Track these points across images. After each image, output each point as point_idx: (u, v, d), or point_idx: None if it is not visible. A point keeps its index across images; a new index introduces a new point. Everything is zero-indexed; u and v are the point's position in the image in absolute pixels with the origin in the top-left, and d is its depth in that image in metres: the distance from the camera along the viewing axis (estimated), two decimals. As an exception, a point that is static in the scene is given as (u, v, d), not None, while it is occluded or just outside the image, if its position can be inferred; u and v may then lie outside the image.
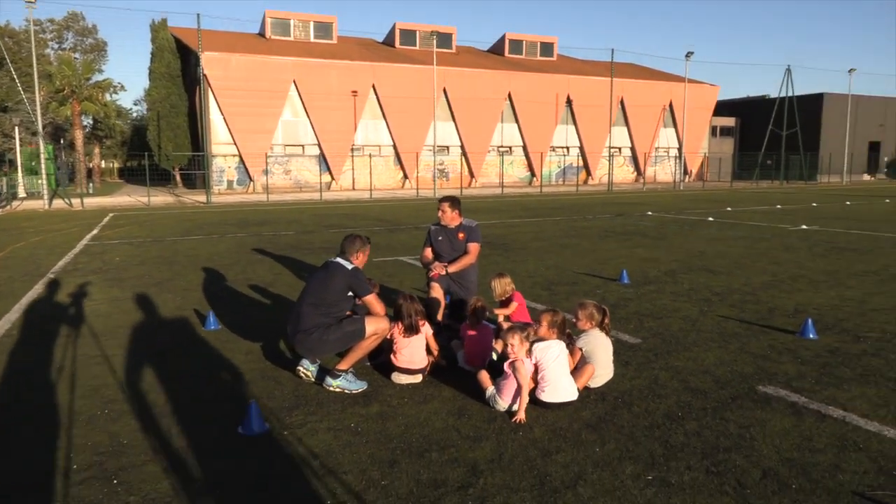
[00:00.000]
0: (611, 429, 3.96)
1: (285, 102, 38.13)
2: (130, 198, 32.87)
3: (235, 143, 37.11)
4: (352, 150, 40.01)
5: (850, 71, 48.17)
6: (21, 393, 4.74)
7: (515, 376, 4.20)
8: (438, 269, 6.30)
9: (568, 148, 47.44)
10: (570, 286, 8.48)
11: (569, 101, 46.05)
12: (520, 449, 3.70)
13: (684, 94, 43.39)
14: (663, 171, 51.96)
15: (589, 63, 52.36)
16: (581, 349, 4.64)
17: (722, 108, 57.22)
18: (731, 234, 14.39)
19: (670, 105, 49.84)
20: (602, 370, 4.64)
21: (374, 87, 39.71)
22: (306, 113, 38.64)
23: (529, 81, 44.21)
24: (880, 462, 3.50)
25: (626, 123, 48.79)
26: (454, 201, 6.58)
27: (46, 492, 3.30)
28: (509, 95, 43.84)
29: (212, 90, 35.51)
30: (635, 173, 50.35)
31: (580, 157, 47.77)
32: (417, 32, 47.12)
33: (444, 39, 46.10)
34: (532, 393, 4.30)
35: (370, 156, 37.78)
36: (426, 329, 4.96)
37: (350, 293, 4.82)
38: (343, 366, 4.66)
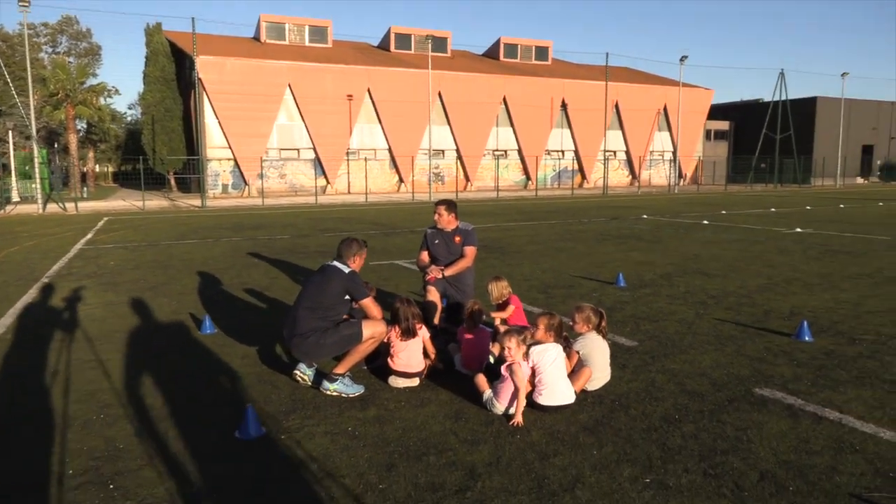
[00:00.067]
0: (608, 432, 3.96)
1: (280, 106, 38.12)
2: (125, 202, 32.78)
3: (230, 147, 37.08)
4: (347, 153, 40.01)
5: (842, 75, 48.58)
6: (16, 397, 4.71)
7: (512, 379, 4.20)
8: (435, 272, 6.30)
9: (563, 152, 47.55)
10: (567, 289, 8.49)
11: (564, 105, 46.17)
12: (517, 452, 3.69)
13: (679, 98, 43.57)
14: (658, 175, 52.12)
15: (584, 67, 52.51)
16: (578, 352, 4.64)
17: (716, 112, 57.45)
18: (725, 237, 14.44)
19: (665, 109, 50.01)
20: (599, 373, 4.64)
21: (369, 90, 39.74)
22: (301, 117, 38.63)
23: (524, 85, 44.31)
24: (877, 464, 3.51)
25: (621, 127, 48.93)
26: (450, 205, 6.59)
27: (42, 497, 3.28)
28: (504, 99, 43.94)
29: (207, 94, 35.48)
30: (630, 177, 50.48)
31: (575, 161, 47.92)
32: (413, 36, 47.20)
33: (440, 43, 46.19)
34: (529, 396, 4.30)
35: (365, 159, 37.80)
36: (423, 332, 4.96)
37: (347, 297, 4.82)
38: (340, 369, 4.65)
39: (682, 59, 41.07)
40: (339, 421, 4.18)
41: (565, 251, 12.30)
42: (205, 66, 34.36)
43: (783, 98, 49.28)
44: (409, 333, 4.85)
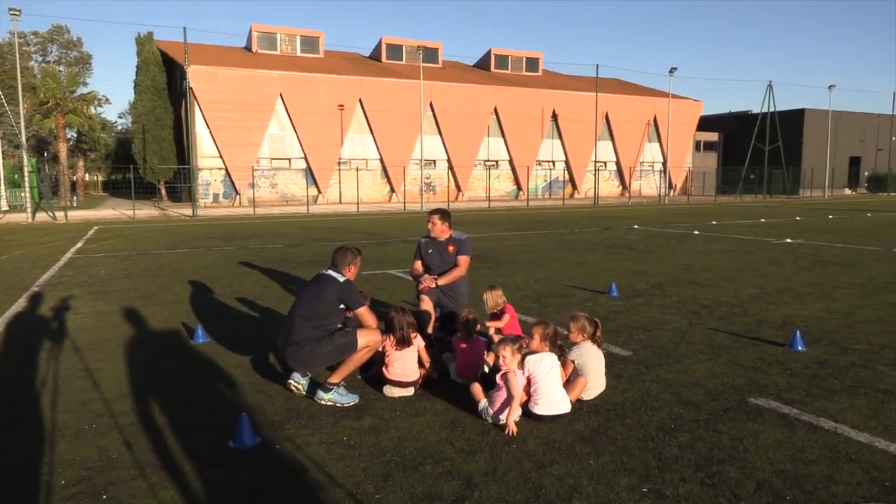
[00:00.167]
0: (605, 441, 3.95)
1: (272, 116, 38.10)
2: (115, 211, 32.60)
3: (221, 157, 36.99)
4: (338, 163, 40.01)
5: (830, 87, 49.09)
6: (6, 408, 4.65)
7: (507, 388, 4.19)
8: (428, 281, 6.29)
9: (554, 162, 47.75)
10: (560, 299, 8.50)
11: (554, 116, 46.41)
12: (514, 462, 3.68)
13: (668, 110, 43.89)
14: (648, 186, 52.40)
15: (574, 78, 52.83)
16: (573, 361, 4.64)
17: (705, 124, 57.89)
18: (716, 247, 14.51)
19: (654, 120, 50.35)
20: (594, 382, 4.64)
21: (360, 101, 39.80)
22: (293, 126, 38.62)
23: (515, 96, 44.53)
24: (872, 473, 3.52)
25: (612, 138, 49.21)
26: (444, 214, 6.59)
27: (33, 508, 3.23)
28: (495, 110, 44.12)
29: (198, 103, 35.42)
30: (620, 187, 50.72)
31: (566, 172, 48.11)
32: (404, 47, 47.38)
33: (431, 54, 46.37)
34: (525, 406, 4.29)
35: (357, 169, 37.80)
36: (418, 341, 4.94)
37: (342, 306, 4.80)
38: (334, 379, 4.63)
39: (672, 70, 41.38)
40: (335, 430, 4.15)
41: (558, 261, 12.32)
42: (196, 75, 34.32)
43: (772, 110, 49.75)
44: (404, 342, 4.83)
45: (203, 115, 36.06)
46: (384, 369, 4.82)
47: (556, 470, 3.57)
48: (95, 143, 58.85)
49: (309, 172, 38.60)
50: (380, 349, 4.87)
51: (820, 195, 51.27)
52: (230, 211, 32.85)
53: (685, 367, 5.44)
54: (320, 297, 4.74)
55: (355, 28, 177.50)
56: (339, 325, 4.88)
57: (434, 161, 42.93)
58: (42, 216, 27.16)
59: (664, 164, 50.09)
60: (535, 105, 45.19)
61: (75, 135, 56.13)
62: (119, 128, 72.68)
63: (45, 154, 47.39)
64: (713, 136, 58.67)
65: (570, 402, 4.36)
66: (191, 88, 32.53)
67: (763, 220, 24.05)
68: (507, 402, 4.17)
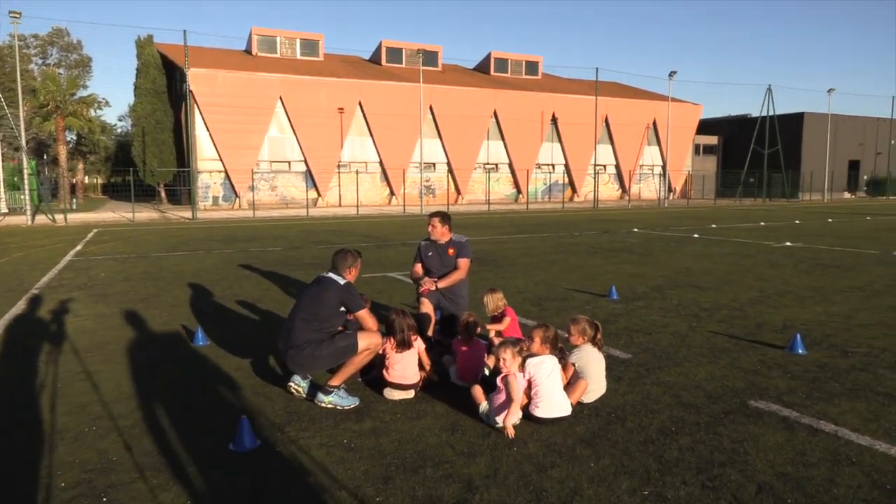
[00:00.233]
0: (605, 444, 3.95)
1: (272, 119, 38.13)
2: (115, 213, 32.59)
3: (221, 160, 37.00)
4: (338, 166, 40.02)
5: (829, 91, 49.13)
6: (6, 410, 4.65)
7: (507, 390, 4.19)
8: (428, 284, 6.29)
9: (553, 165, 47.77)
10: (560, 302, 8.50)
11: (554, 119, 46.45)
12: (515, 464, 3.68)
13: (668, 113, 43.95)
14: (648, 189, 52.43)
15: (574, 82, 52.90)
16: (574, 364, 4.64)
17: (705, 127, 57.97)
18: (716, 250, 14.51)
19: (654, 123, 50.41)
20: (595, 385, 4.64)
21: (360, 104, 39.83)
22: (293, 129, 38.64)
23: (515, 99, 44.57)
24: (874, 476, 3.52)
25: (611, 141, 49.25)
26: (444, 217, 6.59)
27: (33, 511, 3.23)
28: (495, 113, 44.16)
29: (198, 106, 35.44)
30: (620, 191, 50.75)
31: (566, 175, 48.14)
32: (404, 50, 47.44)
33: (431, 57, 46.42)
34: (526, 408, 4.29)
35: (357, 172, 37.80)
36: (418, 344, 4.94)
37: (342, 308, 4.79)
38: (335, 381, 4.62)
39: (671, 74, 41.44)
40: (335, 433, 4.15)
41: (558, 264, 12.32)
42: (196, 78, 34.36)
43: (771, 113, 49.79)
44: (404, 345, 4.83)
45: (203, 118, 36.08)
46: (385, 372, 4.82)
47: (557, 473, 3.57)
48: (95, 145, 58.84)
49: (308, 175, 38.61)
50: (380, 352, 4.87)
51: (819, 199, 51.30)
52: (230, 214, 32.85)
53: (685, 370, 5.44)
54: (321, 299, 4.74)
55: (355, 31, 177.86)
56: (340, 328, 4.88)
57: (434, 164, 42.96)
58: (41, 219, 27.15)
59: (664, 167, 50.13)
60: (534, 108, 45.24)
61: (75, 137, 56.15)
62: (119, 130, 72.73)
63: (45, 157, 47.40)
64: (713, 140, 58.74)
65: (571, 404, 4.36)
66: (191, 91, 32.55)
67: (762, 223, 24.06)
68: (507, 404, 4.16)
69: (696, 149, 56.20)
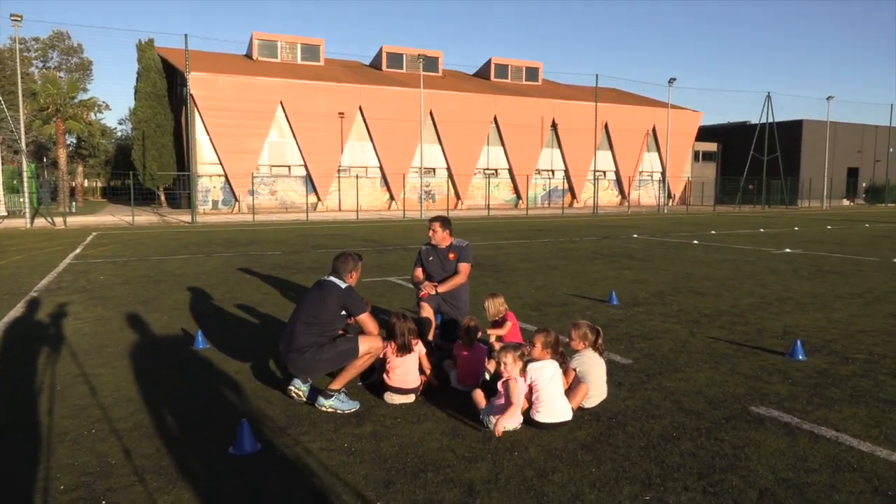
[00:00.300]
0: (606, 449, 3.94)
1: (272, 123, 38.15)
2: (114, 217, 32.58)
3: (221, 164, 37.01)
4: (338, 171, 40.04)
5: (828, 98, 49.24)
6: (5, 412, 4.64)
7: (506, 394, 4.19)
8: (428, 288, 6.29)
9: (553, 171, 47.82)
10: (560, 307, 8.49)
11: (554, 125, 46.52)
12: (516, 469, 3.67)
13: (667, 120, 44.01)
14: (647, 195, 52.48)
15: (574, 88, 53.00)
16: (575, 369, 4.63)
17: (704, 134, 58.05)
18: (716, 256, 14.52)
19: (654, 130, 50.47)
20: (596, 390, 4.63)
21: (360, 109, 39.88)
22: (293, 134, 38.67)
23: (515, 105, 44.64)
24: (875, 482, 3.51)
25: (611, 147, 49.31)
26: (445, 221, 6.59)
27: (33, 513, 3.21)
28: (495, 119, 44.21)
29: (198, 110, 35.47)
30: (620, 197, 50.79)
31: (565, 181, 48.19)
32: (404, 56, 47.53)
33: (431, 63, 46.49)
34: (527, 413, 4.28)
35: (357, 177, 37.81)
36: (419, 348, 4.93)
37: (343, 312, 4.79)
38: (335, 385, 4.62)
39: (671, 81, 41.54)
40: (335, 437, 4.14)
41: (558, 269, 12.32)
42: (197, 82, 34.40)
43: (770, 120, 49.90)
44: (405, 349, 4.82)
45: (203, 122, 36.10)
46: (385, 376, 4.81)
47: (558, 478, 3.56)
48: (95, 149, 58.84)
49: (308, 180, 38.62)
50: (381, 356, 4.86)
51: (818, 206, 51.37)
52: (229, 218, 32.84)
53: (686, 375, 5.43)
54: (322, 303, 4.73)
55: (356, 36, 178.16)
56: (340, 332, 4.87)
57: (434, 169, 42.99)
58: (41, 222, 27.13)
59: (663, 173, 50.19)
60: (534, 114, 45.31)
61: (75, 141, 56.19)
62: (119, 134, 72.79)
63: (45, 160, 47.41)
64: (712, 147, 58.82)
65: (572, 409, 4.35)
66: (191, 95, 32.58)
67: (762, 229, 24.08)
68: (504, 406, 4.16)
69: (696, 155, 56.28)
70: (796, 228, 24.78)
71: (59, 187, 40.52)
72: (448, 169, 43.38)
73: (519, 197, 46.11)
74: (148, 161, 40.08)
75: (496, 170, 45.48)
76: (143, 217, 31.59)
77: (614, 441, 4.06)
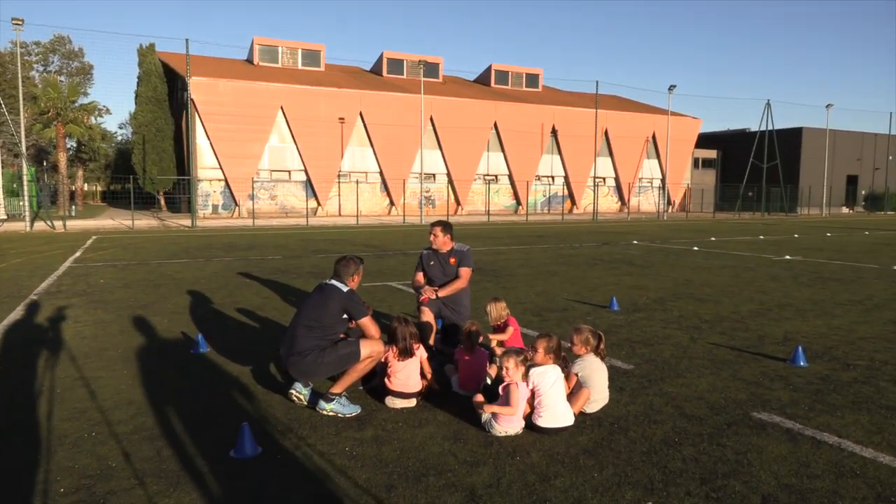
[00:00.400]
0: (608, 454, 3.93)
1: (272, 128, 38.21)
2: (114, 221, 32.57)
3: (221, 168, 37.05)
4: (338, 176, 40.08)
5: (827, 106, 49.33)
6: (4, 415, 4.62)
7: (506, 397, 4.18)
8: (429, 293, 6.28)
9: (553, 177, 47.88)
10: (561, 313, 8.48)
11: (554, 132, 46.60)
12: (518, 474, 3.65)
13: (667, 127, 44.08)
14: (647, 202, 52.54)
15: (574, 94, 53.13)
16: (577, 374, 4.62)
17: (704, 141, 58.16)
18: (716, 263, 14.52)
19: (653, 137, 50.58)
20: (598, 395, 4.62)
21: (361, 114, 39.95)
22: (293, 139, 38.73)
23: (515, 111, 44.73)
24: (878, 489, 3.50)
25: (611, 154, 49.40)
26: (446, 226, 6.59)
27: (33, 516, 3.20)
28: (495, 125, 44.29)
29: (199, 115, 35.52)
30: (619, 203, 50.85)
31: (565, 187, 48.23)
32: (405, 61, 47.64)
33: (432, 69, 46.60)
34: (529, 418, 4.27)
35: (357, 182, 37.85)
36: (420, 352, 4.92)
37: (345, 315, 4.78)
38: (336, 389, 4.60)
39: (671, 88, 41.61)
40: (336, 441, 4.13)
41: (558, 275, 12.31)
42: (197, 86, 34.45)
43: (770, 128, 50.00)
44: (406, 353, 4.81)
45: (204, 127, 36.15)
46: (387, 380, 4.80)
47: (561, 482, 3.55)
48: (95, 153, 58.95)
49: (309, 185, 38.66)
50: (382, 360, 4.85)
51: (817, 213, 51.41)
52: (229, 222, 32.84)
53: (688, 381, 5.42)
54: (324, 306, 4.72)
55: (357, 42, 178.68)
56: (342, 336, 4.86)
57: (434, 175, 43.04)
58: (40, 225, 27.12)
59: (663, 180, 50.27)
60: (534, 120, 45.40)
61: (75, 145, 56.25)
62: (119, 138, 72.87)
63: (45, 163, 47.41)
64: (712, 154, 58.93)
65: (574, 414, 4.34)
66: (192, 100, 32.64)
67: (762, 236, 24.08)
68: (502, 402, 4.16)
69: (696, 162, 56.39)
70: (796, 235, 24.79)
71: (59, 191, 40.53)
72: (448, 174, 43.43)
73: (519, 203, 46.15)
74: (148, 165, 40.12)
75: (496, 176, 45.54)
76: (143, 221, 31.58)
77: (616, 446, 4.05)
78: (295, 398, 4.69)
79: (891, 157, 61.17)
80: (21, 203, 29.17)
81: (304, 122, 38.40)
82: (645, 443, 4.10)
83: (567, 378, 4.54)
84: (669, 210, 50.71)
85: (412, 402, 4.75)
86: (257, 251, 17.06)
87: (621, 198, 50.46)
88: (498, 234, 24.66)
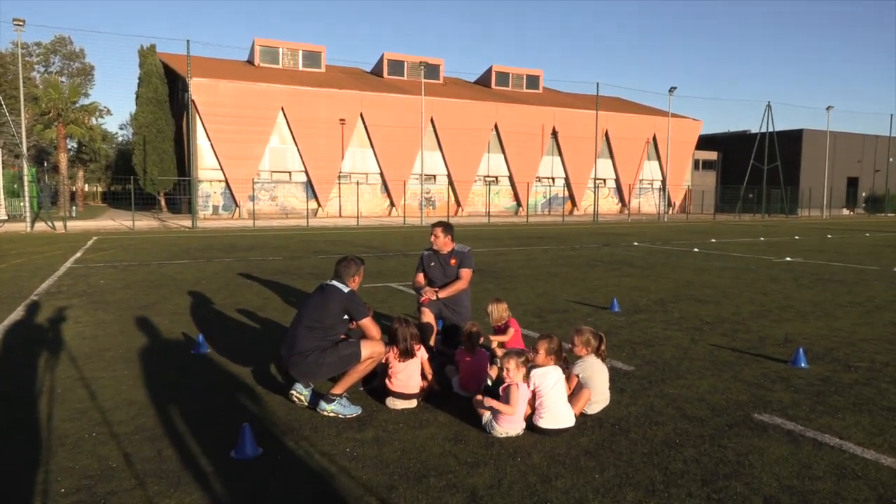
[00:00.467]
0: (609, 455, 3.93)
1: (273, 129, 38.23)
2: (114, 222, 32.58)
3: (222, 169, 37.06)
4: (339, 177, 40.09)
5: (827, 108, 49.35)
6: (5, 415, 4.62)
7: (506, 397, 4.18)
8: (429, 293, 6.28)
9: (553, 179, 47.88)
10: (561, 314, 8.48)
11: (554, 133, 46.61)
12: (519, 475, 3.65)
13: (668, 128, 44.10)
14: (647, 203, 52.54)
15: (574, 96, 53.14)
16: (577, 375, 4.61)
17: (704, 143, 58.16)
18: (717, 264, 14.51)
19: (654, 138, 50.58)
20: (599, 396, 4.61)
21: (361, 115, 39.97)
22: (294, 140, 38.74)
23: (516, 113, 44.74)
24: (880, 490, 3.50)
25: (611, 156, 49.40)
26: (447, 227, 6.59)
27: (33, 516, 3.19)
28: (496, 126, 44.31)
29: (199, 116, 35.54)
30: (620, 205, 50.85)
31: (566, 188, 48.24)
32: (406, 63, 47.66)
33: (432, 70, 46.63)
34: (530, 419, 4.27)
35: (357, 183, 37.87)
36: (421, 353, 4.92)
37: (346, 316, 4.78)
38: (337, 390, 4.60)
39: (671, 90, 41.63)
40: (337, 442, 4.12)
41: (559, 276, 12.31)
42: (198, 88, 34.47)
43: (770, 130, 50.00)
44: (407, 354, 4.81)
45: (204, 128, 36.17)
46: (387, 381, 4.80)
47: (562, 484, 3.54)
48: (96, 153, 59.00)
49: (309, 186, 38.66)
50: (383, 361, 4.84)
51: (818, 215, 51.40)
52: (230, 223, 32.85)
53: (688, 382, 5.42)
54: (325, 307, 4.72)
55: (357, 44, 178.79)
56: (342, 336, 4.86)
57: (434, 176, 43.05)
58: (41, 226, 27.13)
59: (663, 182, 50.27)
60: (535, 122, 45.41)
61: (76, 145, 56.31)
62: (120, 139, 72.93)
63: (45, 164, 47.44)
64: (712, 155, 58.93)
65: (574, 415, 4.33)
66: (193, 101, 32.65)
67: (762, 238, 24.08)
68: (502, 399, 4.15)
69: (696, 164, 56.39)
70: (796, 237, 24.79)
71: (60, 192, 40.54)
72: (448, 176, 43.44)
73: (519, 204, 46.15)
74: (149, 166, 40.14)
75: (496, 177, 45.55)
76: (144, 222, 31.59)
77: (617, 447, 4.05)
78: (296, 399, 4.68)
79: (891, 159, 61.17)
80: (22, 204, 29.17)
81: (304, 124, 38.41)
82: (646, 444, 4.10)
83: (568, 379, 4.54)
84: (670, 212, 50.71)
85: (413, 403, 4.74)
86: (258, 252, 17.06)
87: (622, 199, 50.47)
88: (498, 236, 24.65)
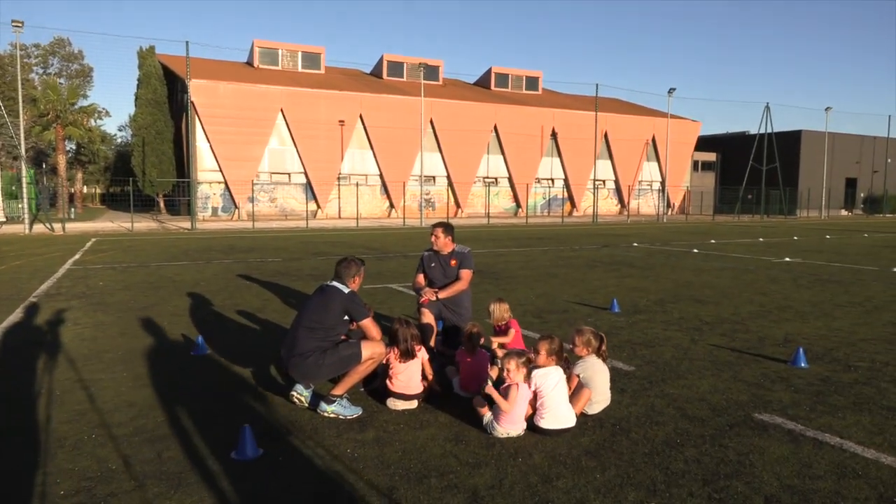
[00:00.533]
0: (610, 455, 3.92)
1: (272, 131, 38.21)
2: (113, 223, 32.56)
3: (221, 171, 37.04)
4: (338, 178, 40.08)
5: (826, 109, 49.38)
6: (4, 417, 4.61)
7: (506, 397, 4.18)
8: (429, 294, 6.28)
9: (553, 180, 47.89)
10: (561, 314, 8.48)
11: (554, 134, 46.62)
12: (520, 475, 3.64)
13: (667, 129, 44.12)
14: (646, 204, 52.55)
15: (573, 97, 53.15)
16: (578, 375, 4.61)
17: (703, 144, 58.18)
18: (716, 265, 14.52)
19: (653, 139, 50.61)
20: (599, 397, 4.61)
21: (361, 117, 39.96)
22: (293, 141, 38.72)
23: (515, 114, 44.75)
24: (880, 489, 3.50)
25: (610, 157, 49.42)
26: (447, 228, 6.59)
27: (33, 518, 3.19)
28: (495, 127, 44.31)
29: (199, 117, 35.52)
30: (619, 206, 50.86)
31: (565, 189, 48.25)
32: (405, 64, 47.67)
33: (432, 72, 46.63)
34: (531, 420, 4.27)
35: (357, 185, 37.85)
36: (422, 354, 4.92)
37: (346, 317, 4.77)
38: (338, 391, 4.59)
39: (671, 91, 41.67)
40: (338, 443, 4.12)
41: (559, 277, 12.31)
42: (197, 89, 34.46)
43: (769, 131, 50.02)
44: (408, 355, 4.80)
45: (203, 129, 36.15)
46: (388, 382, 4.79)
47: (563, 484, 3.54)
48: (94, 155, 58.96)
49: (308, 187, 38.65)
50: (384, 361, 4.84)
51: (816, 216, 51.44)
52: (229, 224, 32.83)
53: (689, 382, 5.41)
54: (325, 308, 4.72)
55: (357, 45, 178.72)
56: (343, 337, 4.86)
57: (434, 177, 43.05)
58: (39, 227, 27.11)
59: (662, 183, 50.29)
60: (534, 123, 45.42)
61: (74, 147, 56.28)
62: (119, 140, 72.87)
63: (44, 166, 47.38)
64: (711, 156, 58.96)
65: (575, 415, 4.33)
66: (192, 102, 32.63)
67: (761, 239, 24.10)
68: (503, 395, 4.15)
69: (695, 165, 56.42)
70: (795, 238, 24.80)
71: (59, 193, 40.49)
72: (448, 177, 43.44)
73: (519, 205, 46.16)
74: (148, 168, 40.10)
75: (496, 178, 45.55)
76: (143, 223, 31.57)
77: (618, 447, 4.04)
78: (296, 400, 4.68)
79: (889, 160, 61.23)
80: (20, 205, 29.14)
81: (303, 125, 38.40)
82: (647, 444, 4.10)
83: (568, 379, 4.53)
84: (669, 212, 50.74)
85: (413, 404, 4.74)
86: (257, 253, 17.05)
87: (621, 200, 50.49)
88: (498, 237, 24.66)
